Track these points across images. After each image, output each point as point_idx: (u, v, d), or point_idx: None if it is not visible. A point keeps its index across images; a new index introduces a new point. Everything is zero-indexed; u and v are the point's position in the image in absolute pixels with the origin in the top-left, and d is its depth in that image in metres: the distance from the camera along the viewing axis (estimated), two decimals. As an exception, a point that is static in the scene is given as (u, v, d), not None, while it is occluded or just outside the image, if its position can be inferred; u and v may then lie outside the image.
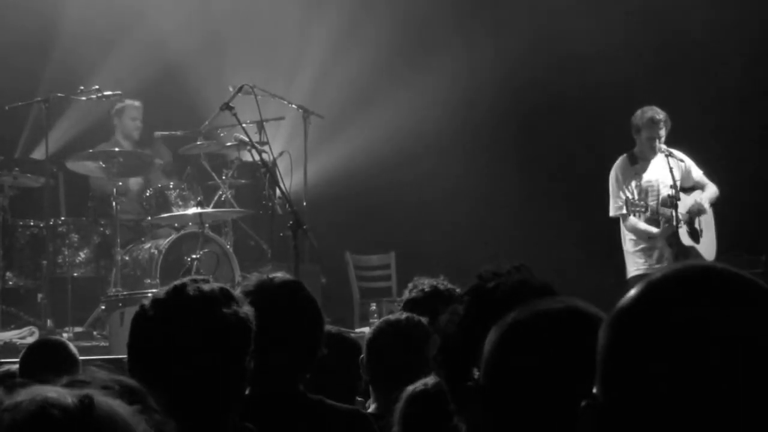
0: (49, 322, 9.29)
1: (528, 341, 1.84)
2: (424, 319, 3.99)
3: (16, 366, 5.28)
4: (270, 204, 10.75)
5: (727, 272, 1.40)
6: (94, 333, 9.55)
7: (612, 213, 9.39)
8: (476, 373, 1.90)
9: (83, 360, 5.33)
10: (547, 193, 11.85)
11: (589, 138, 11.44)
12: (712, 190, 9.50)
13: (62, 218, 10.12)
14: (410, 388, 3.01)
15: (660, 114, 9.15)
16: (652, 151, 9.20)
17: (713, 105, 11.54)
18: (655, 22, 11.73)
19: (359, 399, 4.43)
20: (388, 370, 3.99)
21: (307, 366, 3.46)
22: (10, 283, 9.60)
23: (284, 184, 10.13)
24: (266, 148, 10.33)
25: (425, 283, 4.54)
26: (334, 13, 12.42)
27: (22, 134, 11.31)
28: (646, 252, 9.24)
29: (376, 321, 7.38)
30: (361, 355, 4.16)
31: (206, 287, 2.90)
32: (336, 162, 12.41)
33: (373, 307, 10.73)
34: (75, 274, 9.73)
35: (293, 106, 11.30)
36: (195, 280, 2.94)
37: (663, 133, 9.18)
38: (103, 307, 9.34)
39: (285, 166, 10.91)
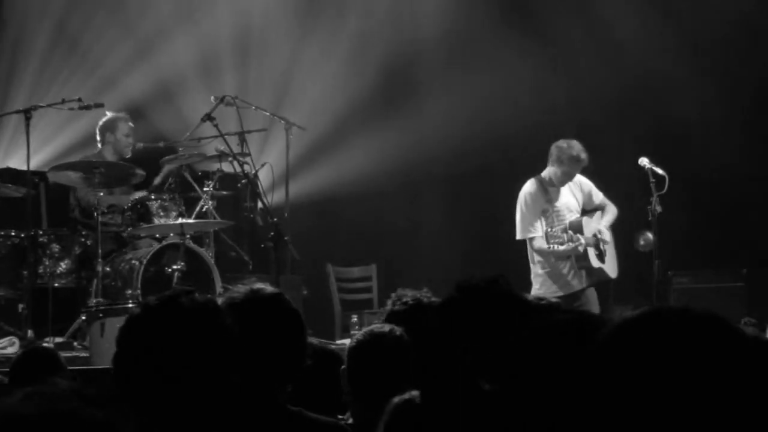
0: (29, 333, 9.25)
1: (545, 349, 1.86)
2: (401, 330, 4.00)
3: (1, 377, 5.28)
4: (251, 215, 10.75)
5: (699, 318, 1.46)
6: (75, 344, 9.51)
7: (520, 236, 9.56)
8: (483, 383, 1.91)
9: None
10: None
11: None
12: (611, 212, 9.74)
13: (43, 229, 10.09)
14: (396, 399, 3.01)
15: (584, 154, 9.37)
16: (563, 183, 9.44)
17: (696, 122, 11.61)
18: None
19: (340, 416, 4.42)
20: (369, 381, 3.99)
21: (289, 378, 3.46)
22: (-9, 293, 9.57)
23: (265, 196, 10.16)
24: (248, 159, 10.34)
25: (408, 295, 4.53)
26: (320, 25, 12.45)
27: (2, 144, 11.29)
28: (553, 275, 9.40)
29: (357, 333, 7.38)
30: (342, 366, 4.16)
31: (199, 299, 2.90)
32: (317, 174, 12.43)
33: (355, 318, 10.72)
34: (56, 285, 9.69)
35: (275, 117, 11.31)
36: (186, 291, 2.93)
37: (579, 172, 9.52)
38: (83, 318, 9.30)
39: (266, 178, 10.93)
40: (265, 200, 9.95)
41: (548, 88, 12.00)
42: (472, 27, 12.23)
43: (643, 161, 9.31)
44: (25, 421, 1.40)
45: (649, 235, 9.47)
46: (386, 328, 4.07)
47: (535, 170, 9.64)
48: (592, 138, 10.03)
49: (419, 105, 12.36)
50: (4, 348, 9.04)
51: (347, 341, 9.05)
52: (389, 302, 4.59)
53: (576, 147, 9.38)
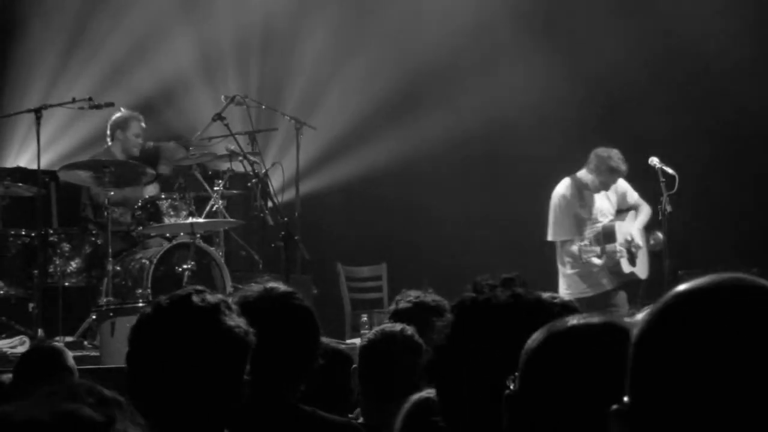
0: (40, 332, 9.26)
1: (567, 352, 1.86)
2: (412, 329, 4.00)
3: (7, 376, 5.28)
4: (261, 215, 10.75)
5: (754, 285, 1.45)
6: (85, 343, 9.52)
7: (551, 237, 9.53)
8: (510, 383, 1.91)
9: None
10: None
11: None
12: (645, 212, 9.70)
13: (54, 228, 10.10)
14: (414, 397, 2.99)
15: (623, 165, 9.34)
16: (599, 191, 9.42)
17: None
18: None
19: (350, 415, 4.43)
20: (381, 380, 3.99)
21: (302, 377, 3.45)
22: (1, 292, 9.56)
23: (276, 195, 10.16)
24: (258, 158, 10.35)
25: (411, 295, 4.55)
26: (331, 24, 12.44)
27: (14, 144, 11.31)
28: (582, 275, 9.36)
29: (367, 332, 7.38)
30: (354, 365, 4.16)
31: (211, 298, 2.89)
32: (328, 173, 12.43)
33: (364, 318, 10.72)
34: (66, 284, 9.70)
35: (286, 117, 11.32)
36: (198, 290, 2.93)
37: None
38: (94, 317, 9.32)
39: (277, 177, 10.94)
40: (275, 200, 9.96)
41: (558, 83, 11.97)
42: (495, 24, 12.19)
43: (653, 161, 9.29)
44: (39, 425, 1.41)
45: (659, 235, 9.45)
46: (398, 327, 4.07)
47: (555, 171, 9.62)
48: (600, 136, 10.01)
49: (432, 107, 12.34)
50: (14, 347, 9.05)
51: (357, 341, 9.08)
52: (393, 303, 4.60)
53: (615, 158, 9.32)
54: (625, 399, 1.49)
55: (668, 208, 9.19)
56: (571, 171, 9.68)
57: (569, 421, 1.82)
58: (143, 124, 10.52)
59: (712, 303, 1.46)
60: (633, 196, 9.67)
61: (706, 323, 1.43)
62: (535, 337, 1.90)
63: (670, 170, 9.21)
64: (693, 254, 10.14)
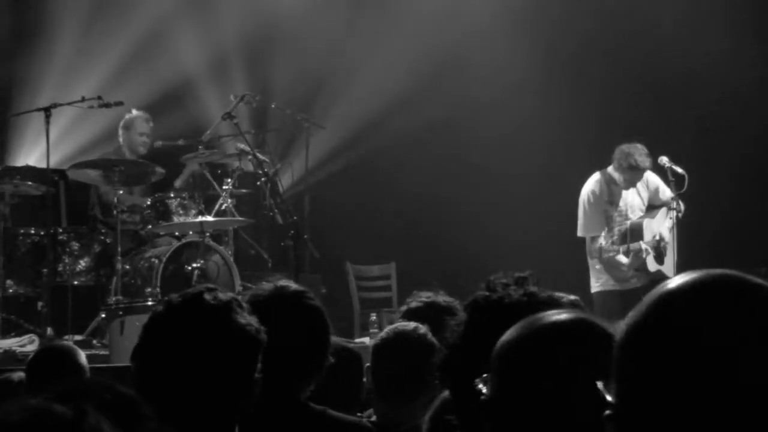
0: (49, 330, 9.28)
1: (533, 354, 1.84)
2: (425, 328, 3.99)
3: (17, 374, 5.28)
4: (271, 213, 10.75)
5: (740, 281, 1.43)
6: (94, 341, 9.52)
7: (581, 233, 9.49)
8: (480, 385, 1.89)
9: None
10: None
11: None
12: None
13: (63, 226, 10.11)
14: (444, 394, 2.98)
15: (645, 161, 9.20)
16: (626, 188, 9.38)
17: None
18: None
19: (359, 414, 4.42)
20: (394, 379, 3.98)
21: (312, 376, 3.45)
22: (11, 291, 9.58)
23: (285, 194, 10.16)
24: (267, 157, 10.35)
25: (423, 296, 4.55)
26: (338, 23, 12.43)
27: (23, 142, 11.33)
28: (610, 271, 9.32)
29: (376, 331, 7.36)
30: (367, 364, 4.16)
31: (223, 296, 2.89)
32: (337, 172, 12.43)
33: (374, 317, 10.71)
34: (75, 283, 9.71)
35: (295, 116, 11.32)
36: (210, 289, 2.93)
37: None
38: (103, 316, 9.33)
39: (286, 176, 10.94)
40: (284, 198, 9.96)
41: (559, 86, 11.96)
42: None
43: (663, 160, 9.27)
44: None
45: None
46: (411, 326, 4.06)
47: (568, 166, 9.60)
48: (611, 134, 9.99)
49: (441, 104, 12.32)
50: (23, 346, 9.06)
51: (366, 339, 9.10)
52: (405, 304, 4.60)
53: (636, 154, 9.18)
54: (611, 400, 1.46)
55: (677, 207, 9.20)
56: (588, 166, 9.64)
57: (540, 426, 1.80)
58: (151, 123, 10.53)
59: (696, 302, 1.43)
60: (665, 192, 9.52)
61: (690, 323, 1.41)
62: (504, 339, 1.88)
63: (679, 170, 9.19)
64: (700, 253, 10.12)
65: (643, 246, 9.17)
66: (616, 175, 9.37)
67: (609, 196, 9.43)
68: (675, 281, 1.46)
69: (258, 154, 10.03)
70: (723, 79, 11.41)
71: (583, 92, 11.80)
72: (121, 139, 10.49)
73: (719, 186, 11.06)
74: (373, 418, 4.08)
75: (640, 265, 9.26)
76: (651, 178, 9.50)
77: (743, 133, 11.52)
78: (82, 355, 5.21)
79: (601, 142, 9.87)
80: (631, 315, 1.46)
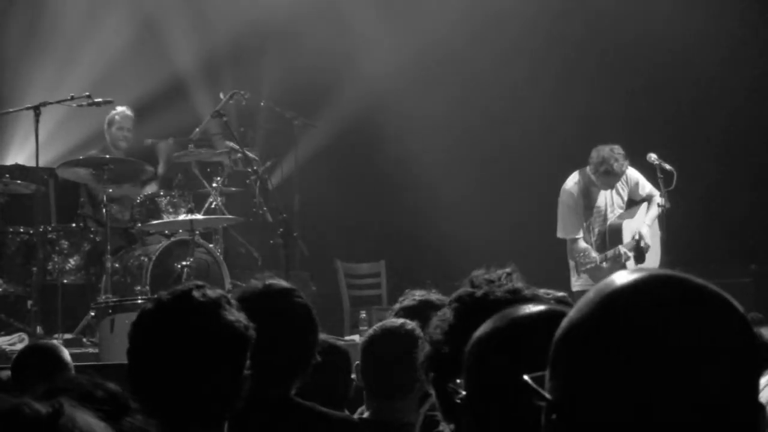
0: (38, 329, 9.27)
1: (505, 350, 1.85)
2: (413, 324, 4.01)
3: (5, 372, 5.29)
4: (260, 212, 10.75)
5: (678, 279, 1.44)
6: (84, 340, 9.52)
7: (560, 235, 9.48)
8: (458, 383, 1.90)
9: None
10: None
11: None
12: (658, 203, 9.46)
13: (52, 225, 10.10)
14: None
15: (618, 165, 9.11)
16: (603, 189, 9.36)
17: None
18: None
19: (347, 411, 4.43)
20: (383, 376, 4.00)
21: (300, 372, 3.47)
22: (0, 289, 9.58)
23: (274, 192, 10.17)
24: (257, 155, 10.35)
25: (416, 294, 4.56)
26: (327, 21, 12.42)
27: (13, 141, 11.32)
28: (591, 272, 9.30)
29: (366, 329, 7.37)
30: (356, 362, 4.17)
31: (211, 293, 2.91)
32: (327, 170, 12.42)
33: (363, 315, 10.72)
34: (65, 281, 9.71)
35: (285, 114, 11.32)
36: (198, 286, 2.94)
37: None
38: (93, 314, 9.32)
39: (276, 174, 10.94)
40: (274, 196, 9.96)
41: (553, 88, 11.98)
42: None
43: (651, 157, 9.26)
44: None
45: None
46: (398, 322, 4.08)
47: (559, 164, 9.61)
48: (601, 133, 10.01)
49: (432, 102, 12.33)
50: (13, 344, 9.06)
51: (356, 337, 9.09)
52: (398, 303, 4.61)
53: (610, 161, 9.07)
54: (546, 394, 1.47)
55: (666, 204, 9.19)
56: (578, 165, 9.62)
57: (515, 421, 1.80)
58: (131, 117, 10.52)
59: (639, 301, 1.43)
60: (645, 188, 9.49)
61: (633, 321, 1.41)
62: (476, 335, 1.89)
63: (668, 166, 9.18)
64: (689, 250, 10.16)
65: (622, 251, 9.15)
66: (596, 178, 9.31)
67: (587, 197, 9.40)
68: (619, 279, 1.46)
69: (247, 152, 10.03)
70: (723, 80, 11.45)
71: (572, 90, 11.82)
72: (106, 137, 10.51)
73: (709, 183, 11.11)
74: (365, 415, 4.09)
75: (620, 267, 9.24)
76: (630, 173, 9.44)
77: (734, 132, 11.57)
78: (66, 353, 5.22)
79: (595, 139, 9.87)
80: (575, 310, 1.46)
